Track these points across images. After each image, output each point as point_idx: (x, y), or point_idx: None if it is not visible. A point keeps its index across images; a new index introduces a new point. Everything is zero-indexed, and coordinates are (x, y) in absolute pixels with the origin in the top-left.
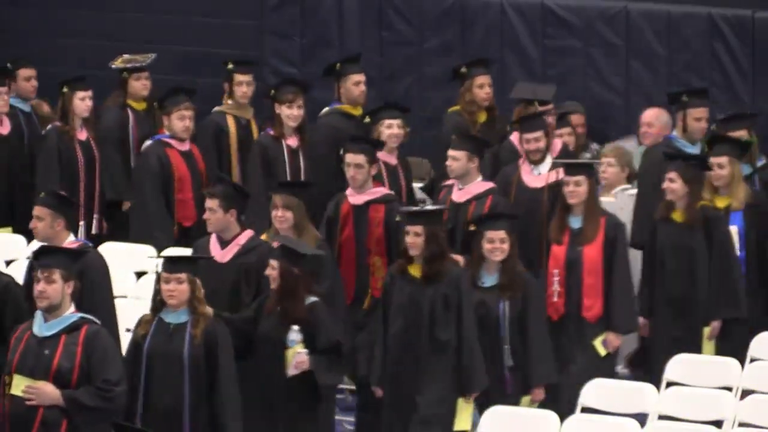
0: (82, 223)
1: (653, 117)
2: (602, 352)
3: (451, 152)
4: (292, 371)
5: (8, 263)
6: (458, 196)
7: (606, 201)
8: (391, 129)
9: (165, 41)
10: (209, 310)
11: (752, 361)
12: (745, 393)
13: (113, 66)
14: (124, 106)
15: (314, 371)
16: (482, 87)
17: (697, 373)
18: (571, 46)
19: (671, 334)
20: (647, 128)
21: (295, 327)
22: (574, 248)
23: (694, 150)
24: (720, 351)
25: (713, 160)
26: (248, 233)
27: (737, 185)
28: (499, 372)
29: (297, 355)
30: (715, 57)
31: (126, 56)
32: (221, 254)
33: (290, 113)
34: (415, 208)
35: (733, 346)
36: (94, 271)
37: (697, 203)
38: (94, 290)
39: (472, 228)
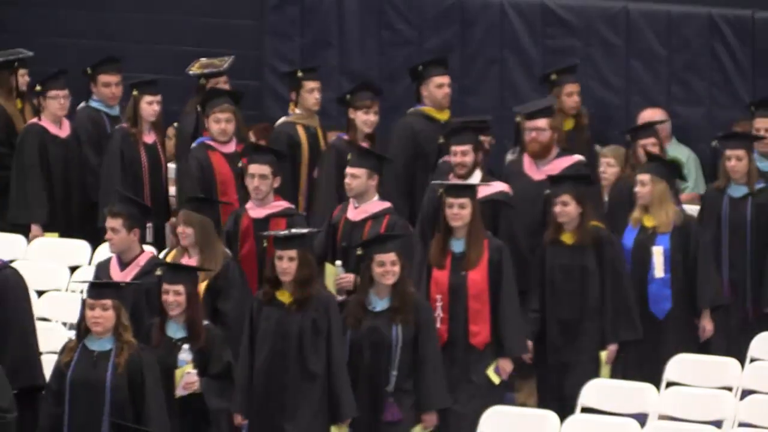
0: (149, 225)
1: (650, 118)
2: (496, 380)
3: (350, 170)
4: (180, 392)
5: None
6: (354, 214)
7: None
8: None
9: (165, 41)
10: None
11: (752, 361)
12: (745, 393)
13: (190, 72)
14: (198, 113)
15: (204, 394)
16: (571, 95)
17: (697, 373)
18: (571, 46)
19: (561, 357)
20: None
21: (185, 346)
22: (457, 273)
23: None
24: (613, 374)
25: (638, 176)
26: (148, 254)
27: (663, 205)
28: (382, 399)
29: (186, 376)
30: (715, 57)
31: (203, 60)
32: (121, 276)
33: (367, 119)
34: (283, 233)
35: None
36: (9, 290)
37: (588, 223)
38: (7, 310)
39: (359, 252)
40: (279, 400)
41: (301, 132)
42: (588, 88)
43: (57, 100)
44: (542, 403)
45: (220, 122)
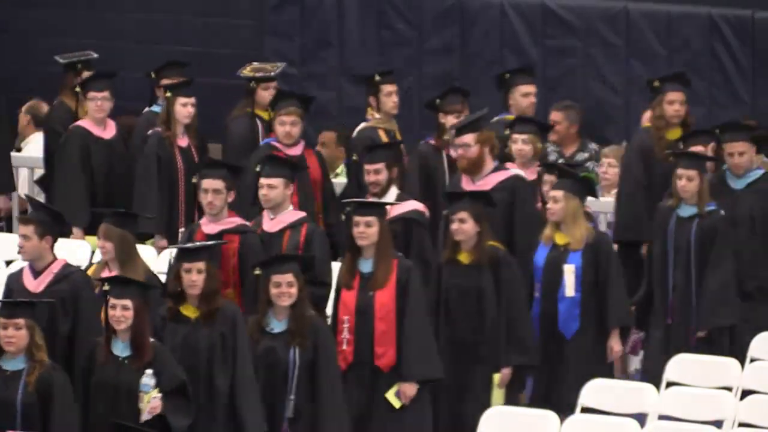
0: (182, 230)
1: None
2: (396, 404)
3: (266, 180)
4: (146, 416)
5: (8, 263)
6: (270, 225)
7: (606, 201)
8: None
9: (165, 41)
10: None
11: (752, 361)
12: (745, 393)
13: (242, 74)
14: (252, 116)
15: (167, 415)
16: (672, 103)
17: (697, 373)
18: (571, 46)
19: (457, 380)
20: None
21: (149, 371)
22: (364, 293)
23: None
24: (508, 400)
25: (551, 193)
26: (61, 261)
27: (575, 223)
28: (278, 423)
29: (153, 400)
30: (715, 57)
31: (255, 64)
32: (34, 284)
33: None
34: (190, 245)
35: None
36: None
37: (486, 243)
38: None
39: (257, 272)
40: None
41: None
42: (588, 88)
43: (95, 102)
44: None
45: (285, 125)
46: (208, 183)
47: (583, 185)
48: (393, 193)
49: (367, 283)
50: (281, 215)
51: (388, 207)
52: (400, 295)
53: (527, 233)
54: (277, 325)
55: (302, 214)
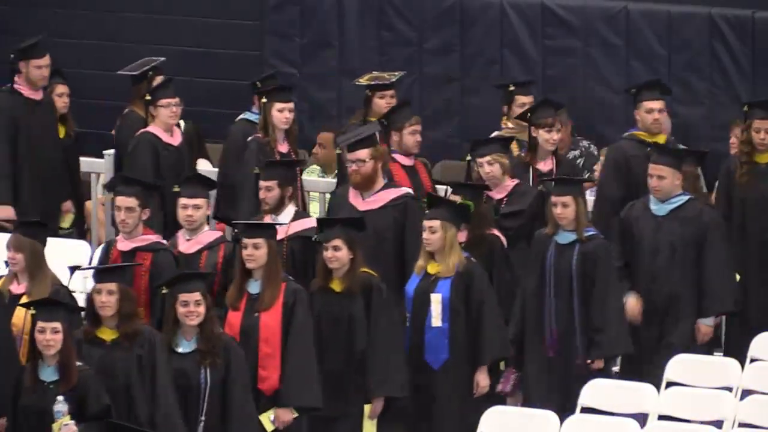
0: None
1: None
2: (269, 427)
3: (187, 200)
4: None
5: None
6: (187, 246)
7: None
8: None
9: (165, 41)
10: None
11: (752, 361)
12: (745, 393)
13: (358, 83)
14: (365, 123)
15: None
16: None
17: (697, 373)
18: (571, 46)
19: (329, 411)
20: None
21: (60, 398)
22: (250, 315)
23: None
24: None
25: (426, 223)
26: None
27: (451, 252)
28: None
29: (64, 428)
30: (715, 57)
31: (374, 73)
32: None
33: (549, 138)
34: (103, 266)
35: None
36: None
37: (358, 270)
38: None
39: (163, 291)
40: None
41: (513, 146)
42: (588, 88)
43: (168, 108)
44: None
45: (416, 134)
46: (120, 200)
47: (461, 212)
48: (290, 210)
49: (254, 305)
50: (199, 236)
51: (285, 225)
52: (286, 318)
53: (418, 252)
54: (186, 345)
55: (219, 233)
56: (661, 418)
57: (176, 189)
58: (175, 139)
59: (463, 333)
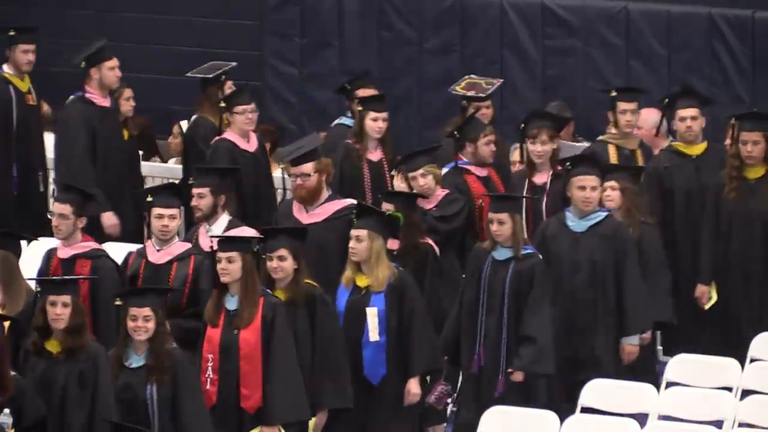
0: None
1: (641, 120)
2: None
3: (163, 210)
4: None
5: None
6: (157, 257)
7: None
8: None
9: (165, 41)
10: None
11: (752, 361)
12: (745, 393)
13: (454, 91)
14: (458, 133)
15: None
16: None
17: (697, 373)
18: (571, 46)
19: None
20: (636, 131)
21: (6, 410)
22: (229, 331)
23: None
24: None
25: (353, 232)
26: None
27: (378, 263)
28: None
29: None
30: (715, 57)
31: (468, 80)
32: None
33: (533, 149)
34: (58, 277)
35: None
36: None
37: (302, 281)
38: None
39: (117, 303)
40: None
41: (612, 152)
42: (588, 88)
43: (244, 115)
44: None
45: (490, 144)
46: (56, 206)
47: (388, 225)
48: (224, 219)
49: (233, 321)
50: (168, 247)
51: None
52: (265, 334)
53: None
54: (136, 360)
55: (188, 245)
56: (661, 418)
57: (191, 182)
58: (251, 146)
59: (399, 346)
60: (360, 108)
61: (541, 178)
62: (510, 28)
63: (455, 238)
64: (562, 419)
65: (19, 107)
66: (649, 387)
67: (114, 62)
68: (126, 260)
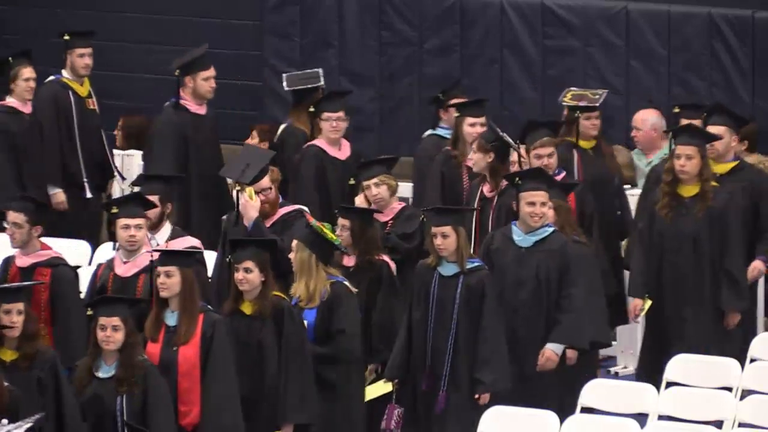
0: None
1: (639, 120)
2: None
3: (129, 220)
4: None
5: None
6: (124, 270)
7: None
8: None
9: (165, 41)
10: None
11: (752, 361)
12: (745, 393)
13: (564, 103)
14: (573, 146)
15: None
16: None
17: (697, 373)
18: (571, 46)
19: None
20: (635, 132)
21: (5, 421)
22: (168, 348)
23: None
24: None
25: (293, 244)
26: None
27: (307, 275)
28: None
29: None
30: (715, 57)
31: (574, 90)
32: None
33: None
34: (12, 284)
35: None
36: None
37: (269, 292)
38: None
39: (89, 312)
40: None
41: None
42: (588, 88)
43: (329, 122)
44: None
45: (542, 158)
46: (10, 215)
47: (319, 240)
48: (167, 229)
49: (172, 338)
50: (135, 259)
51: (163, 243)
52: (204, 351)
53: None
54: (106, 370)
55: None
56: (661, 418)
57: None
58: (342, 153)
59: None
60: (457, 115)
61: (490, 189)
62: (510, 28)
63: (412, 256)
64: (562, 419)
65: (79, 112)
66: (649, 387)
67: (210, 72)
68: (96, 272)
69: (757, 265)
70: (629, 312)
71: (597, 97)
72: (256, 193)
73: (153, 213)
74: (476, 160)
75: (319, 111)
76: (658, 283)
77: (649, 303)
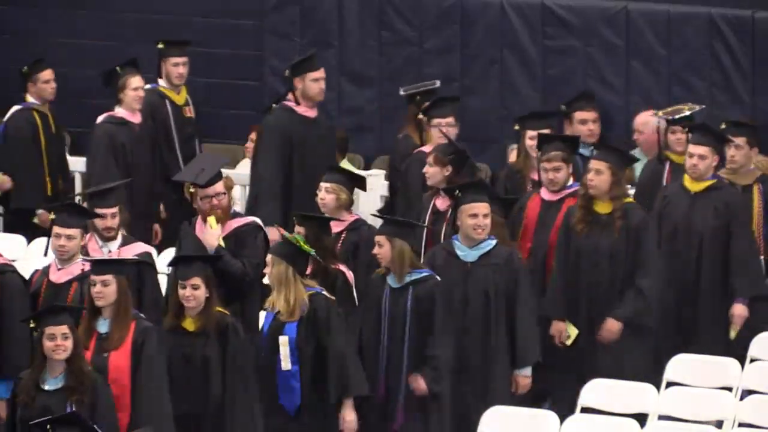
0: None
1: (640, 123)
2: None
3: (61, 230)
4: None
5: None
6: (58, 276)
7: None
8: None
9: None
10: None
11: (752, 361)
12: (745, 393)
13: (657, 116)
14: (663, 159)
15: None
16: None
17: (697, 373)
18: (571, 46)
19: None
20: (637, 135)
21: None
22: (99, 355)
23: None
24: None
25: (268, 258)
26: None
27: (284, 289)
28: None
29: None
30: (715, 57)
31: (675, 107)
32: None
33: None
34: None
35: None
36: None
37: (213, 309)
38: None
39: (32, 324)
40: None
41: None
42: (588, 88)
43: (438, 128)
44: None
45: (548, 172)
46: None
47: (294, 250)
48: (119, 240)
49: (103, 344)
50: (70, 266)
51: (115, 251)
52: (135, 357)
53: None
54: (52, 382)
55: (88, 265)
56: (661, 418)
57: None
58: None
59: (315, 375)
60: (516, 127)
61: (444, 203)
62: (510, 28)
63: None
64: (562, 419)
65: (177, 120)
66: (649, 387)
67: (319, 73)
68: (31, 277)
69: (741, 312)
70: (554, 337)
71: (689, 109)
72: (210, 197)
73: (115, 223)
74: (432, 173)
75: (430, 117)
76: (575, 303)
77: (575, 332)
